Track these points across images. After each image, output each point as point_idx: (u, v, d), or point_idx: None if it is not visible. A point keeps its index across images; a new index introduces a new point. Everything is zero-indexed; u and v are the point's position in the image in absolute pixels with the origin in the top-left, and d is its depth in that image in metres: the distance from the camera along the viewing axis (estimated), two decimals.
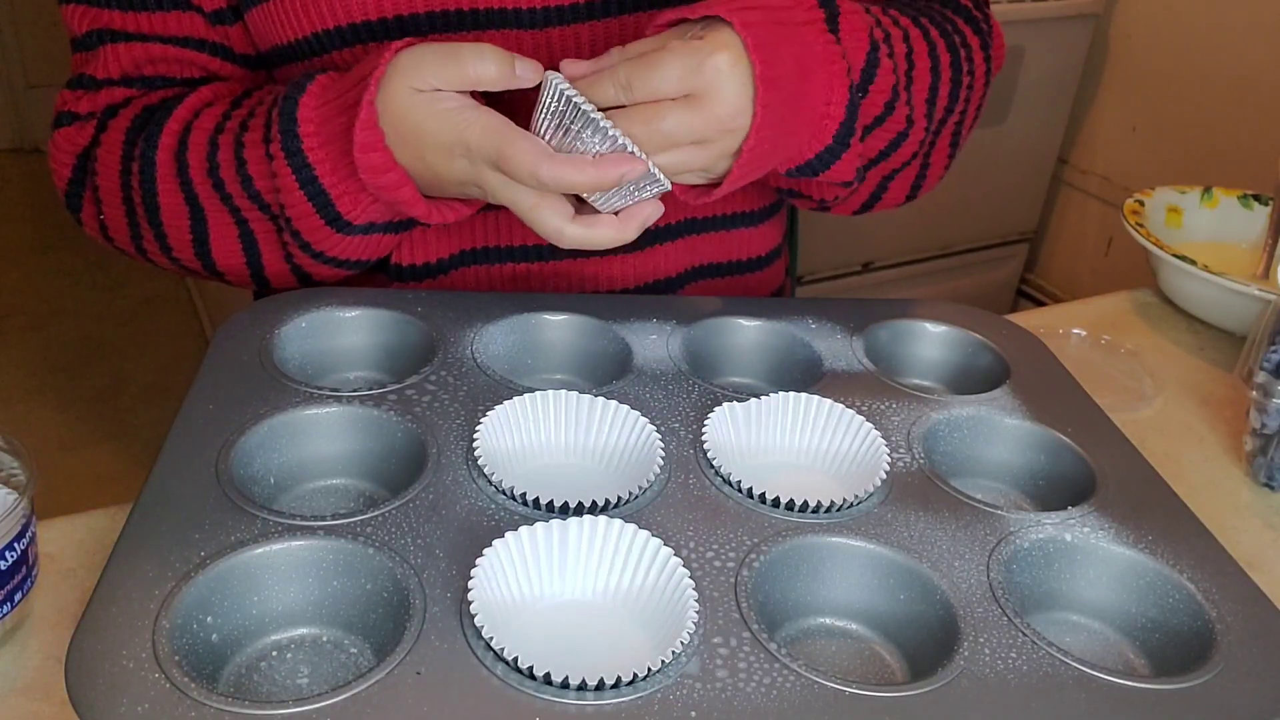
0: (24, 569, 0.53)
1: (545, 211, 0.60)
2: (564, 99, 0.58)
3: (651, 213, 0.62)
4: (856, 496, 0.57)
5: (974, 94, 0.78)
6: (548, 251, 0.78)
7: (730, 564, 0.52)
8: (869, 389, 0.68)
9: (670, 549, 0.51)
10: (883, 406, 0.67)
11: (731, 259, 0.84)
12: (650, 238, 0.80)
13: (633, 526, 0.51)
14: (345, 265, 0.71)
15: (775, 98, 0.60)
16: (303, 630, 0.51)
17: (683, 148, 0.60)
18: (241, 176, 0.68)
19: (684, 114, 0.59)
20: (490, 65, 0.60)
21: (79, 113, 0.74)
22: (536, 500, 0.54)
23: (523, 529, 0.51)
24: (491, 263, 0.78)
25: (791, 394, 0.64)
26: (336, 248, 0.69)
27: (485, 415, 0.59)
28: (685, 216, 0.81)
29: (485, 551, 0.49)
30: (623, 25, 0.73)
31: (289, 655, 0.50)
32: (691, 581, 0.49)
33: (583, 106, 0.57)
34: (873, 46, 0.65)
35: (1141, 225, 0.98)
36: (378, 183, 0.63)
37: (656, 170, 0.60)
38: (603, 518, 0.52)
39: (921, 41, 0.71)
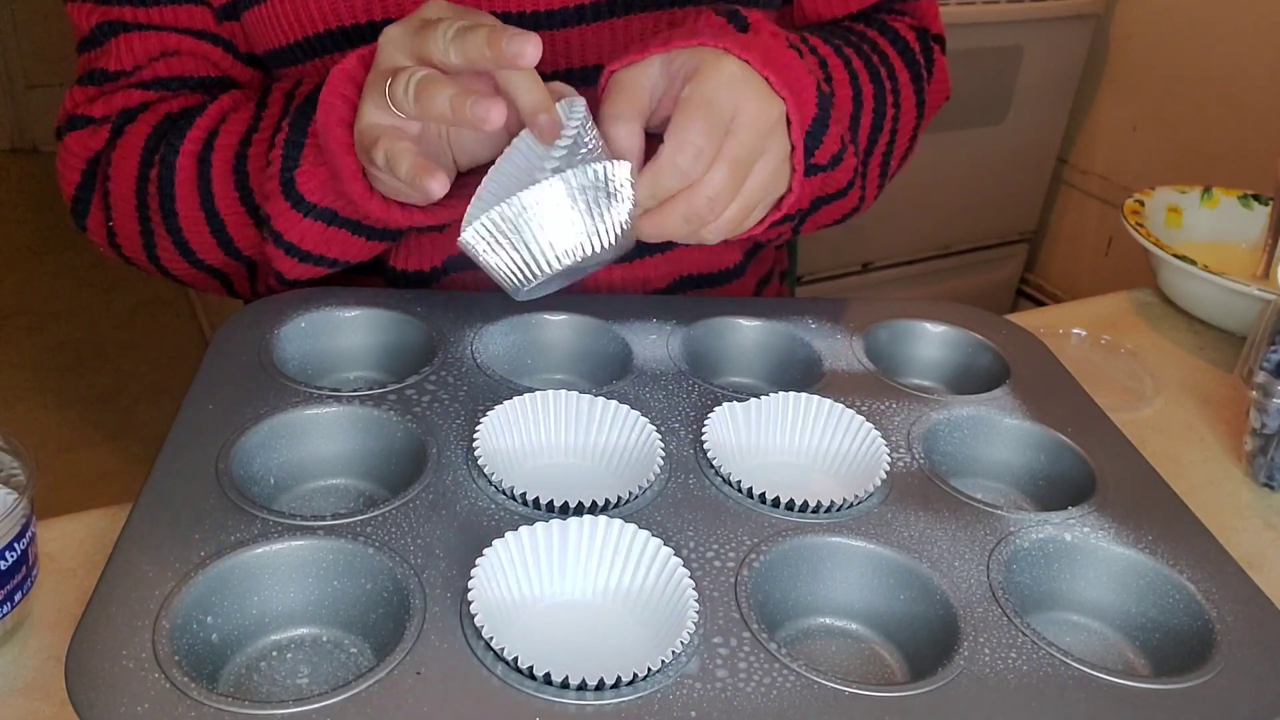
0: (24, 569, 0.53)
1: (432, 82, 0.57)
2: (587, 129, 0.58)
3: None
4: (856, 496, 0.57)
5: (901, 126, 0.78)
6: None
7: (730, 564, 0.52)
8: (869, 389, 0.68)
9: (670, 549, 0.51)
10: (883, 406, 0.67)
11: (717, 268, 0.84)
12: (640, 250, 0.79)
13: (633, 526, 0.51)
14: (309, 260, 0.69)
15: (793, 83, 0.61)
16: (303, 630, 0.51)
17: (752, 175, 0.60)
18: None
19: (736, 144, 0.59)
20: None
21: (93, 116, 0.73)
22: (536, 500, 0.54)
23: (523, 529, 0.51)
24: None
25: (791, 394, 0.64)
26: (292, 231, 0.67)
27: (485, 415, 0.59)
28: None
29: (485, 551, 0.49)
30: (627, 26, 0.73)
31: (289, 655, 0.50)
32: (691, 581, 0.49)
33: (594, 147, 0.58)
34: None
35: (1141, 225, 0.98)
36: (327, 134, 0.61)
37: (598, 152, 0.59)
38: (602, 518, 0.52)
39: (842, 70, 0.72)
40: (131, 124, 0.72)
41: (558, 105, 0.58)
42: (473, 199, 0.61)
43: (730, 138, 0.59)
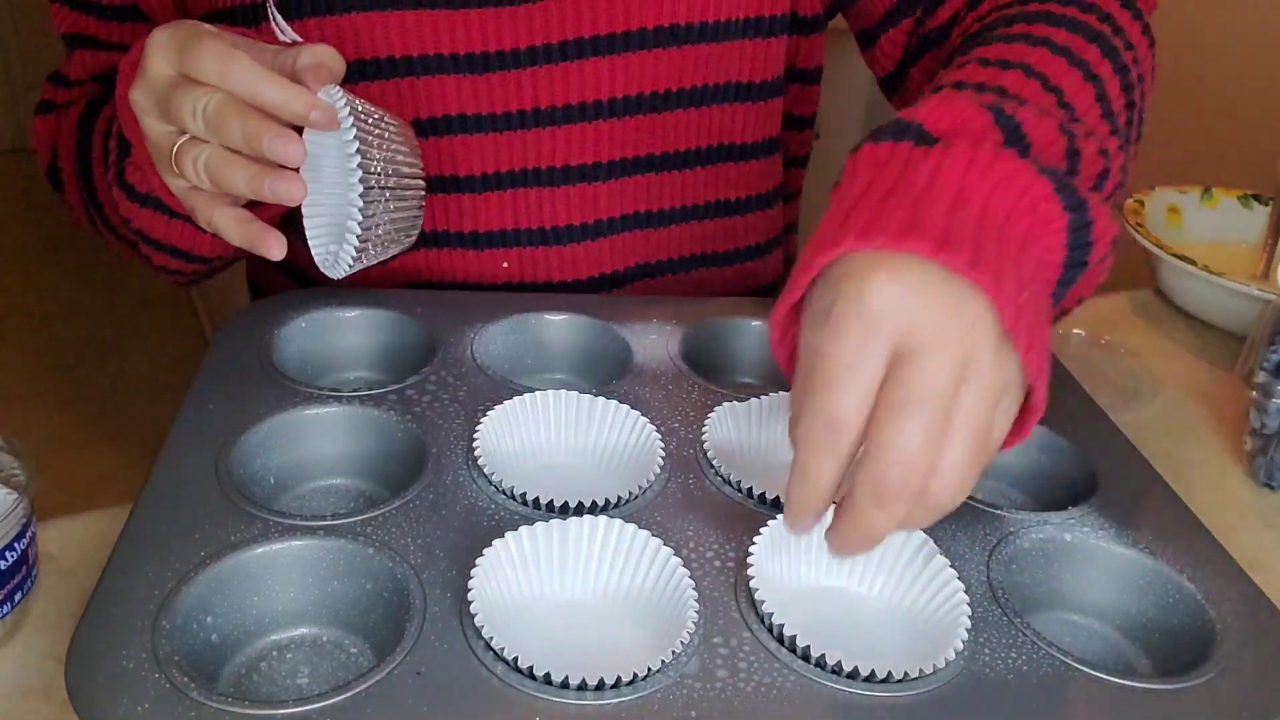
0: (24, 569, 0.53)
1: (192, 145, 0.56)
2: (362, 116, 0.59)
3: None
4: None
5: (1144, 74, 0.62)
6: (489, 290, 0.78)
7: (730, 564, 0.52)
8: None
9: (670, 549, 0.51)
10: None
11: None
12: (603, 284, 0.79)
13: (632, 526, 0.51)
14: (164, 250, 0.69)
15: (1012, 294, 0.42)
16: (303, 630, 0.51)
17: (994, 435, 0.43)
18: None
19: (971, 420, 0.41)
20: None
21: (56, 102, 0.77)
22: (536, 500, 0.54)
23: (523, 529, 0.51)
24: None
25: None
26: (138, 218, 0.67)
27: (485, 415, 0.59)
28: (637, 261, 0.80)
29: (485, 552, 0.49)
30: (581, 69, 0.72)
31: (289, 655, 0.50)
32: (691, 581, 0.49)
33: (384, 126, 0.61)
34: (1069, 142, 0.50)
35: (1141, 225, 0.98)
36: (123, 106, 0.60)
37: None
38: (602, 518, 0.52)
39: (1087, 91, 0.56)
40: (75, 106, 0.75)
41: (319, 95, 0.57)
42: (305, 210, 0.62)
43: (960, 413, 0.41)
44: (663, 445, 0.59)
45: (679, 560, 0.50)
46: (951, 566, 0.52)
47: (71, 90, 0.76)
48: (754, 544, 0.51)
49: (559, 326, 0.71)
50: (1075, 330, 0.91)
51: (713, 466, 0.59)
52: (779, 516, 0.52)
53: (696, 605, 0.48)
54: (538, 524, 0.51)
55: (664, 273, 0.82)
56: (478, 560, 0.49)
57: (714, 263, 0.83)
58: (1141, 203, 1.03)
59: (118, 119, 0.62)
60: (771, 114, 0.81)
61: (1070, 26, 0.59)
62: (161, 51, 0.56)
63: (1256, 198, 1.07)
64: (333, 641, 0.51)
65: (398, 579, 0.49)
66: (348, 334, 0.69)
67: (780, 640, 0.48)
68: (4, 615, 0.52)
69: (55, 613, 0.55)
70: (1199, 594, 0.54)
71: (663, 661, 0.46)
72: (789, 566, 0.54)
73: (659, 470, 0.58)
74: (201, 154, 0.56)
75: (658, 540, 0.51)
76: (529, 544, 0.51)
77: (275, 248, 0.58)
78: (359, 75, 0.69)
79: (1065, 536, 0.57)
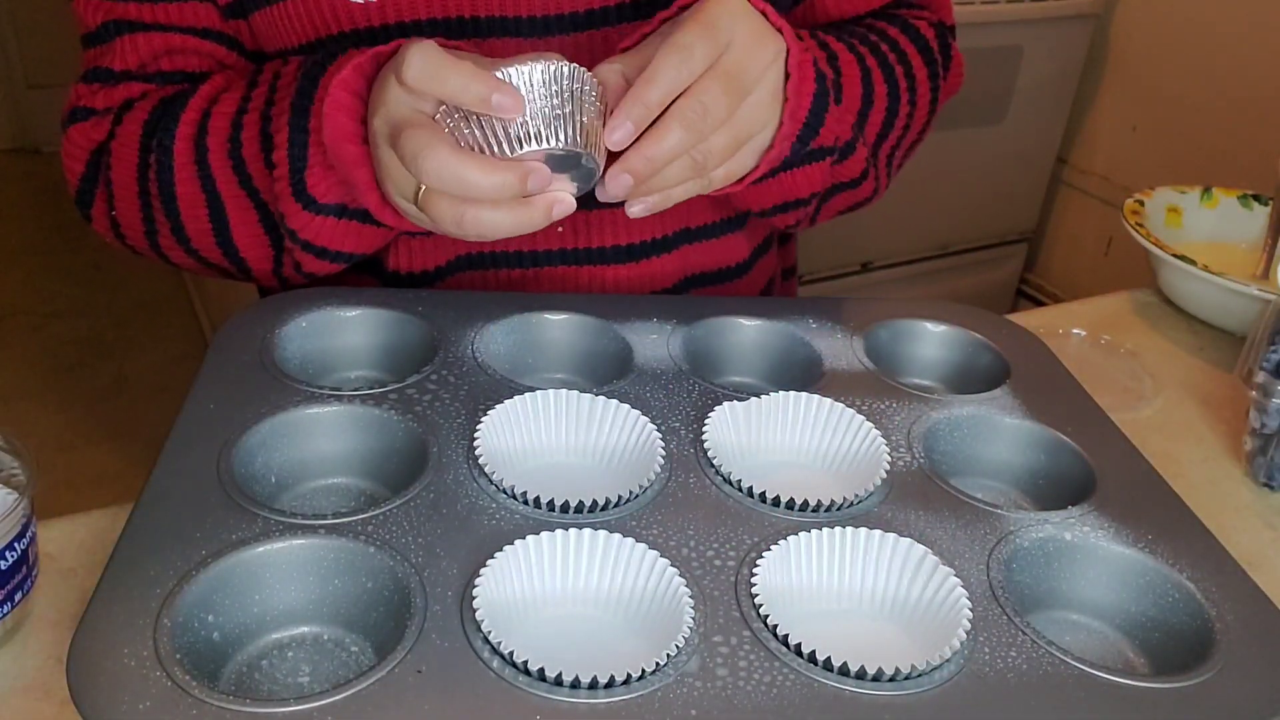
0: (24, 569, 0.53)
1: (439, 198, 0.57)
2: (575, 77, 0.56)
3: (563, 197, 0.57)
4: (856, 496, 0.57)
5: (914, 123, 0.79)
6: (543, 258, 0.77)
7: (731, 563, 0.53)
8: (869, 388, 0.68)
9: (666, 560, 0.51)
10: (883, 406, 0.67)
11: (722, 265, 0.84)
12: (647, 249, 0.79)
13: (631, 540, 0.52)
14: (326, 256, 0.69)
15: (796, 44, 0.61)
16: (304, 629, 0.51)
17: (745, 103, 0.59)
18: (266, 156, 0.67)
19: (732, 60, 0.58)
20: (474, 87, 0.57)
21: (95, 108, 0.73)
22: (537, 499, 0.54)
23: (529, 538, 0.51)
24: (487, 268, 0.78)
25: (792, 393, 0.64)
26: (308, 229, 0.67)
27: (486, 414, 0.59)
28: (681, 227, 0.80)
29: (489, 562, 0.49)
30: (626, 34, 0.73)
31: (290, 654, 0.50)
32: (689, 591, 0.50)
33: (586, 90, 0.56)
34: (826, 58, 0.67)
35: (1141, 225, 0.98)
36: (338, 153, 0.62)
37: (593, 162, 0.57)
38: (603, 532, 0.52)
39: (854, 66, 0.72)
40: (130, 113, 0.72)
41: (537, 68, 0.55)
42: None
43: (727, 53, 0.58)
44: (663, 445, 0.59)
45: (675, 571, 0.50)
46: (950, 566, 0.52)
47: (115, 89, 0.73)
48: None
49: (559, 326, 0.71)
50: (1075, 330, 0.91)
51: (713, 466, 0.59)
52: (788, 538, 0.53)
53: (692, 614, 0.48)
54: (543, 533, 0.51)
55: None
56: (481, 570, 0.49)
57: (736, 226, 0.84)
58: (1141, 203, 1.04)
59: (324, 135, 0.62)
60: None
61: (902, 61, 0.77)
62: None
63: (1256, 198, 1.07)
64: (334, 640, 0.51)
65: (398, 577, 0.50)
66: (349, 333, 0.69)
67: (783, 642, 0.48)
68: (4, 615, 0.52)
69: (55, 612, 0.56)
70: (1199, 593, 0.54)
71: (667, 656, 0.46)
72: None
73: (659, 470, 0.58)
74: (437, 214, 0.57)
75: (655, 553, 0.51)
76: (534, 552, 0.51)
77: (558, 206, 0.58)
78: (430, 35, 0.67)
79: (1065, 536, 0.57)
